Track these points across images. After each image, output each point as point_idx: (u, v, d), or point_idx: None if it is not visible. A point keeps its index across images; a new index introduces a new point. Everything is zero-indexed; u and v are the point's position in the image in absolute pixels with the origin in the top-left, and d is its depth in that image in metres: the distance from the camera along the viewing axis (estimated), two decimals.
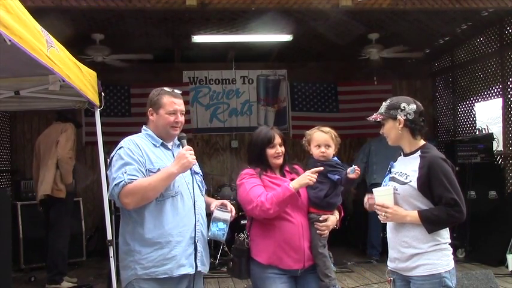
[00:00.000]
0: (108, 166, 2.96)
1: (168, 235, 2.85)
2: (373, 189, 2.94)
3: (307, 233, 3.20)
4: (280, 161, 3.31)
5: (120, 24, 7.29)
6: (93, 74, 4.58)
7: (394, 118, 2.88)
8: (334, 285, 3.19)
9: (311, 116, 9.30)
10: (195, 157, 2.89)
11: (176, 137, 3.08)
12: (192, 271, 2.91)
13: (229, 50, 8.90)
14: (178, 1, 5.80)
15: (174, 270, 2.85)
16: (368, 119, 3.01)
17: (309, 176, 3.07)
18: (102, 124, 4.86)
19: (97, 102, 4.71)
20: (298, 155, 9.55)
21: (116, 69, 7.99)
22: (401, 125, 2.87)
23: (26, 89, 4.55)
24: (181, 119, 3.03)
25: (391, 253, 2.96)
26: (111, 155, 2.95)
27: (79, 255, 7.50)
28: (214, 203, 3.10)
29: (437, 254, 2.79)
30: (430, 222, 2.76)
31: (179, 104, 3.02)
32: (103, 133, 4.89)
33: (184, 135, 3.05)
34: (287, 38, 7.69)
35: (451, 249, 2.88)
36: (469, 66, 8.74)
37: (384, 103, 2.97)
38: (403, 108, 2.88)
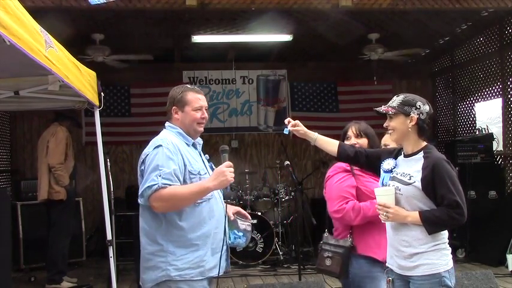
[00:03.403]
0: (141, 163, 2.85)
1: (206, 237, 2.83)
2: (375, 189, 2.93)
3: None
4: None
5: (120, 24, 7.30)
6: (93, 74, 4.58)
7: (407, 114, 2.85)
8: None
9: (311, 116, 9.31)
10: (233, 174, 2.80)
11: (198, 137, 3.06)
12: (220, 272, 2.91)
13: (229, 50, 8.90)
14: (179, 1, 5.80)
15: (207, 272, 2.84)
16: (377, 109, 2.96)
17: None
18: (102, 124, 4.86)
19: (96, 103, 4.71)
20: (298, 155, 9.59)
21: (115, 69, 8.00)
22: (412, 123, 2.85)
23: (26, 89, 4.54)
24: (206, 114, 3.02)
25: (390, 251, 2.96)
26: (146, 151, 2.85)
27: (79, 255, 7.50)
28: (231, 210, 3.08)
29: (436, 254, 2.79)
30: (431, 223, 2.76)
31: (203, 100, 3.01)
32: (103, 133, 4.88)
33: (227, 148, 2.98)
34: (287, 38, 7.70)
35: (450, 248, 2.87)
36: (469, 66, 8.74)
37: (396, 97, 2.94)
38: (418, 107, 2.85)
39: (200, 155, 3.03)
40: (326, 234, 3.44)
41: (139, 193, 2.78)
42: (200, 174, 2.85)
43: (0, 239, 4.75)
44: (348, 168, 3.30)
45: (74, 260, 7.24)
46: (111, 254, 4.78)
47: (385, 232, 3.06)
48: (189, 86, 3.06)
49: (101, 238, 7.20)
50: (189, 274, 2.78)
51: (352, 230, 3.26)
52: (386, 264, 3.01)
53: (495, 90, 7.95)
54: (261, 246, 7.17)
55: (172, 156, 2.77)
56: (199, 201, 2.82)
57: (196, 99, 2.97)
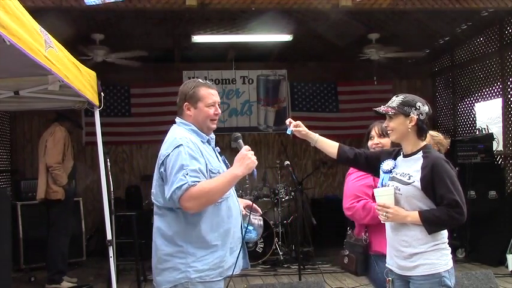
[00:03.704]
0: (160, 165, 2.71)
1: (225, 237, 2.76)
2: (374, 190, 2.95)
3: None
4: None
5: (120, 24, 7.29)
6: (93, 74, 4.59)
7: (407, 115, 2.85)
8: None
9: (311, 116, 9.30)
10: (255, 157, 2.77)
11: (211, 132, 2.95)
12: (238, 271, 2.85)
13: (229, 50, 8.90)
14: (179, 1, 5.79)
15: (225, 271, 2.78)
16: (376, 109, 2.96)
17: None
18: (102, 124, 4.87)
19: (96, 102, 4.71)
20: (298, 155, 9.59)
21: (116, 69, 8.00)
22: (412, 123, 2.85)
23: (26, 89, 4.55)
24: (219, 110, 2.92)
25: (390, 251, 2.96)
26: (165, 152, 2.70)
27: (79, 255, 7.50)
28: (242, 204, 3.02)
29: (436, 254, 2.79)
30: (431, 223, 2.76)
31: (216, 95, 2.89)
32: (103, 133, 4.89)
33: (239, 134, 2.94)
34: (287, 38, 7.70)
35: (450, 248, 2.88)
36: (469, 66, 8.74)
37: (395, 97, 2.94)
38: (418, 107, 2.86)
39: (214, 151, 2.94)
40: (349, 232, 3.47)
41: (167, 196, 2.64)
42: (219, 173, 2.77)
43: (0, 239, 4.75)
44: None
45: (74, 260, 7.24)
46: (111, 254, 4.79)
47: None
48: (201, 80, 2.92)
49: (101, 238, 7.21)
50: (208, 275, 2.71)
51: (367, 228, 3.30)
52: (386, 264, 3.01)
53: (495, 90, 7.95)
54: (261, 246, 7.17)
55: (195, 155, 2.68)
56: (219, 200, 2.75)
57: (209, 94, 2.85)
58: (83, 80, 4.20)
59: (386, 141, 3.36)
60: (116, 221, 5.84)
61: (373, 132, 3.43)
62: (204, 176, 2.67)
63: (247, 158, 2.73)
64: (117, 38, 7.75)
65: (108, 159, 5.43)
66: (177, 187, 2.58)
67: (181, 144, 2.68)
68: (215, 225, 2.74)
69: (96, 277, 6.77)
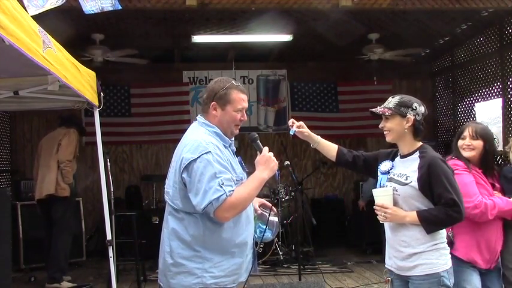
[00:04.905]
0: (183, 169, 2.59)
1: (243, 244, 2.72)
2: (373, 190, 2.95)
3: (502, 236, 3.29)
4: (467, 154, 3.27)
5: (120, 24, 7.30)
6: (92, 74, 4.60)
7: (403, 116, 2.87)
8: None
9: (311, 116, 9.29)
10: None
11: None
12: (247, 276, 2.81)
13: (229, 50, 8.89)
14: (179, 1, 5.79)
15: (238, 278, 2.74)
16: (373, 110, 2.97)
17: None
18: (102, 124, 4.88)
19: (96, 103, 4.72)
20: (298, 155, 9.59)
21: (116, 69, 8.00)
22: (409, 124, 2.86)
23: (25, 89, 4.57)
24: (245, 117, 2.82)
25: (390, 251, 2.97)
26: (189, 156, 2.58)
27: (79, 255, 7.51)
28: (256, 203, 2.96)
29: (435, 254, 2.80)
30: (429, 223, 2.77)
31: (246, 101, 2.80)
32: (103, 133, 4.90)
33: (256, 134, 2.86)
34: (287, 38, 7.69)
35: (449, 248, 2.89)
36: (469, 66, 8.73)
37: (391, 98, 2.95)
38: (414, 108, 2.87)
39: (234, 154, 2.85)
40: None
41: (199, 206, 2.54)
42: (242, 180, 2.72)
43: (0, 239, 4.75)
44: (465, 166, 3.27)
45: (74, 260, 7.25)
46: (111, 254, 4.80)
47: (474, 234, 3.13)
48: (234, 82, 2.80)
49: (101, 238, 7.22)
50: (223, 282, 2.66)
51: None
52: (386, 265, 3.02)
53: (495, 90, 7.94)
54: (261, 246, 7.15)
55: (224, 163, 2.61)
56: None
57: (240, 100, 2.76)
58: (82, 80, 4.20)
59: (478, 144, 3.27)
60: (116, 221, 5.85)
61: (466, 133, 3.31)
62: (235, 185, 2.62)
63: (271, 161, 2.71)
64: (117, 38, 7.75)
65: (108, 159, 5.44)
66: (215, 198, 2.50)
67: (210, 152, 2.58)
68: (235, 234, 2.69)
69: (96, 277, 6.77)
